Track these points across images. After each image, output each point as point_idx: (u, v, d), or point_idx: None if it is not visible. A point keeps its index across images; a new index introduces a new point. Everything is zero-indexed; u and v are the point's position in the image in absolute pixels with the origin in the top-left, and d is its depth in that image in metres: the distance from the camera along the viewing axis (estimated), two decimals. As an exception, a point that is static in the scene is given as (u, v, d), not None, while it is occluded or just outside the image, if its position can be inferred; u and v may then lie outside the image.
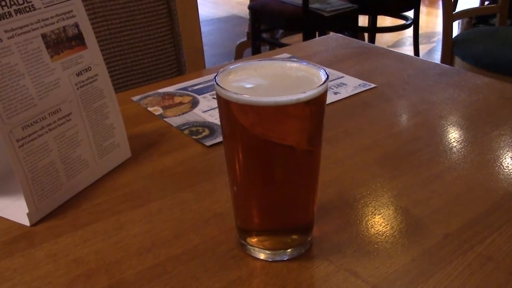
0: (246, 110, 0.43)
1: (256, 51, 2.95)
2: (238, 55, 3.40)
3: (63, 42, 0.59)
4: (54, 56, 0.58)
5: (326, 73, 0.46)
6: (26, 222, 0.56)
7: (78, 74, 0.61)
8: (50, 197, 0.58)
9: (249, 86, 0.47)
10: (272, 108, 0.42)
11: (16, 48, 0.54)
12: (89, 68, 0.62)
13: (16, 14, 0.54)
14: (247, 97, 0.42)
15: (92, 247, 0.53)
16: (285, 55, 1.07)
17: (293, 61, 0.50)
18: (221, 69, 0.48)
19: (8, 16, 0.53)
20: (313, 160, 0.48)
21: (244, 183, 0.49)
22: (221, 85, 0.44)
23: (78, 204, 0.60)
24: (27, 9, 0.55)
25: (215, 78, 0.45)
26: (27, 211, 0.56)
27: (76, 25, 0.61)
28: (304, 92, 0.42)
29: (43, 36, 0.57)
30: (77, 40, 0.61)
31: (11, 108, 0.53)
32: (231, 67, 0.49)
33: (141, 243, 0.53)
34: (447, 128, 0.76)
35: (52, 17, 0.58)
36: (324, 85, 0.44)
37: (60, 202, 0.60)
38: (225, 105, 0.44)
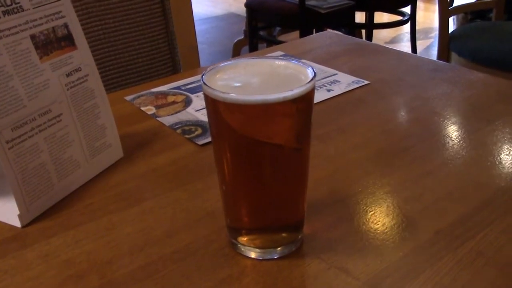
0: (233, 109, 0.43)
1: (253, 49, 2.95)
2: (236, 53, 3.40)
3: (52, 43, 0.59)
4: (44, 57, 0.58)
5: (314, 70, 0.46)
6: (17, 223, 0.56)
7: (68, 75, 0.60)
8: (41, 198, 0.58)
9: (237, 84, 0.47)
10: (259, 107, 0.42)
11: (4, 49, 0.54)
12: (79, 69, 0.62)
13: (4, 15, 0.54)
14: (233, 96, 0.42)
15: (84, 248, 0.53)
16: (279, 53, 1.07)
17: (281, 59, 0.49)
18: (209, 68, 0.48)
19: (-4, 17, 0.53)
20: (302, 158, 0.48)
21: (233, 182, 0.49)
22: (208, 84, 0.44)
23: (70, 204, 0.60)
24: (15, 10, 0.55)
25: (202, 77, 0.45)
26: (18, 212, 0.56)
27: (66, 26, 0.60)
28: (291, 90, 0.42)
29: (32, 37, 0.57)
30: (67, 41, 0.61)
31: (0, 110, 0.53)
32: (220, 65, 0.49)
33: (133, 242, 0.53)
34: (440, 124, 0.76)
35: (40, 18, 0.58)
36: (311, 83, 0.44)
37: (51, 203, 0.60)
38: (212, 104, 0.44)
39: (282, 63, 0.49)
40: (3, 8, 0.53)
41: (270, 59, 0.50)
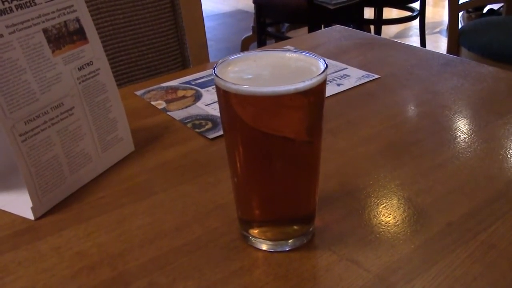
0: (245, 101, 0.43)
1: (261, 45, 2.95)
2: (244, 49, 3.39)
3: (64, 37, 0.59)
4: (56, 51, 0.58)
5: (325, 62, 0.45)
6: (30, 216, 0.57)
7: (80, 69, 0.61)
8: (53, 191, 0.59)
9: (248, 76, 0.47)
10: (270, 99, 0.42)
11: (17, 43, 0.54)
12: (91, 63, 0.62)
13: (17, 9, 0.54)
14: (245, 88, 0.42)
15: (95, 240, 0.53)
16: (288, 47, 1.07)
17: (292, 51, 0.49)
18: (221, 60, 0.48)
19: (9, 11, 0.53)
20: (313, 151, 0.48)
21: (245, 174, 0.49)
22: (220, 76, 0.44)
23: (82, 197, 0.61)
24: (28, 4, 0.55)
25: (214, 69, 0.45)
26: (31, 205, 0.56)
27: (77, 20, 0.61)
28: (303, 82, 0.42)
29: (44, 31, 0.57)
30: (79, 35, 0.61)
31: (13, 103, 0.53)
32: (231, 58, 0.49)
33: (144, 235, 0.54)
34: (450, 117, 0.76)
35: (53, 12, 0.58)
36: (323, 75, 0.44)
37: (63, 196, 0.60)
38: (224, 96, 0.44)
39: (293, 55, 0.49)
40: (16, 2, 0.54)
41: (280, 51, 0.50)
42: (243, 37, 3.42)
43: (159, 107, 0.83)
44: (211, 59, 1.49)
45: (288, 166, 0.47)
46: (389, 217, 0.54)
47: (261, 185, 0.49)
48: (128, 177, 0.64)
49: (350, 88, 0.87)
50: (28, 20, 0.55)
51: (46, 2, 0.57)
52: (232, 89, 0.43)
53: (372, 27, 3.31)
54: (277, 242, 0.50)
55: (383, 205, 0.56)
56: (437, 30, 4.07)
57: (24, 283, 0.48)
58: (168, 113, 0.80)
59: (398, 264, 0.48)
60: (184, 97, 0.86)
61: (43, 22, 0.57)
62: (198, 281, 0.47)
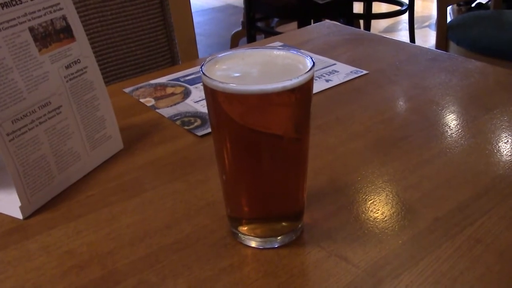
0: (232, 99, 0.43)
1: (251, 40, 2.94)
2: (234, 44, 3.39)
3: (51, 35, 0.59)
4: (42, 49, 0.58)
5: (312, 60, 0.46)
6: (18, 215, 0.56)
7: (67, 67, 0.61)
8: (42, 190, 0.58)
9: (236, 75, 0.47)
10: (258, 97, 0.42)
11: (3, 42, 0.54)
12: (78, 61, 0.62)
13: (2, 8, 0.54)
14: (233, 86, 0.42)
15: (84, 239, 0.53)
16: (278, 43, 1.07)
17: (280, 49, 0.50)
18: (208, 58, 0.48)
19: (-6, 10, 0.53)
20: (301, 148, 0.48)
21: (233, 172, 0.49)
22: (207, 74, 0.44)
23: (71, 196, 0.60)
24: (14, 2, 0.55)
25: (201, 67, 0.45)
26: (19, 204, 0.56)
27: (64, 18, 0.60)
28: (290, 80, 0.42)
29: (31, 29, 0.57)
30: (65, 33, 0.61)
31: (0, 102, 0.53)
32: (218, 56, 0.49)
33: (134, 233, 0.54)
34: (438, 113, 0.76)
35: (39, 10, 0.58)
36: (310, 72, 0.44)
37: (52, 194, 0.60)
38: (212, 95, 0.44)
39: (280, 53, 0.49)
40: (1, 1, 0.53)
41: (268, 49, 0.50)
42: (233, 32, 3.41)
43: (148, 104, 0.82)
44: (201, 54, 1.49)
45: (276, 163, 0.47)
46: (377, 213, 0.55)
47: (250, 182, 0.49)
48: (117, 175, 0.64)
49: (339, 84, 0.87)
50: (14, 19, 0.55)
51: (31, 0, 0.57)
52: (220, 87, 0.43)
53: (361, 21, 3.31)
54: (266, 239, 0.50)
55: (371, 201, 0.57)
56: (426, 24, 4.08)
57: (13, 283, 0.48)
58: (157, 110, 0.80)
59: (386, 260, 0.48)
60: (173, 94, 0.86)
61: (29, 20, 0.56)
62: (188, 279, 0.47)
